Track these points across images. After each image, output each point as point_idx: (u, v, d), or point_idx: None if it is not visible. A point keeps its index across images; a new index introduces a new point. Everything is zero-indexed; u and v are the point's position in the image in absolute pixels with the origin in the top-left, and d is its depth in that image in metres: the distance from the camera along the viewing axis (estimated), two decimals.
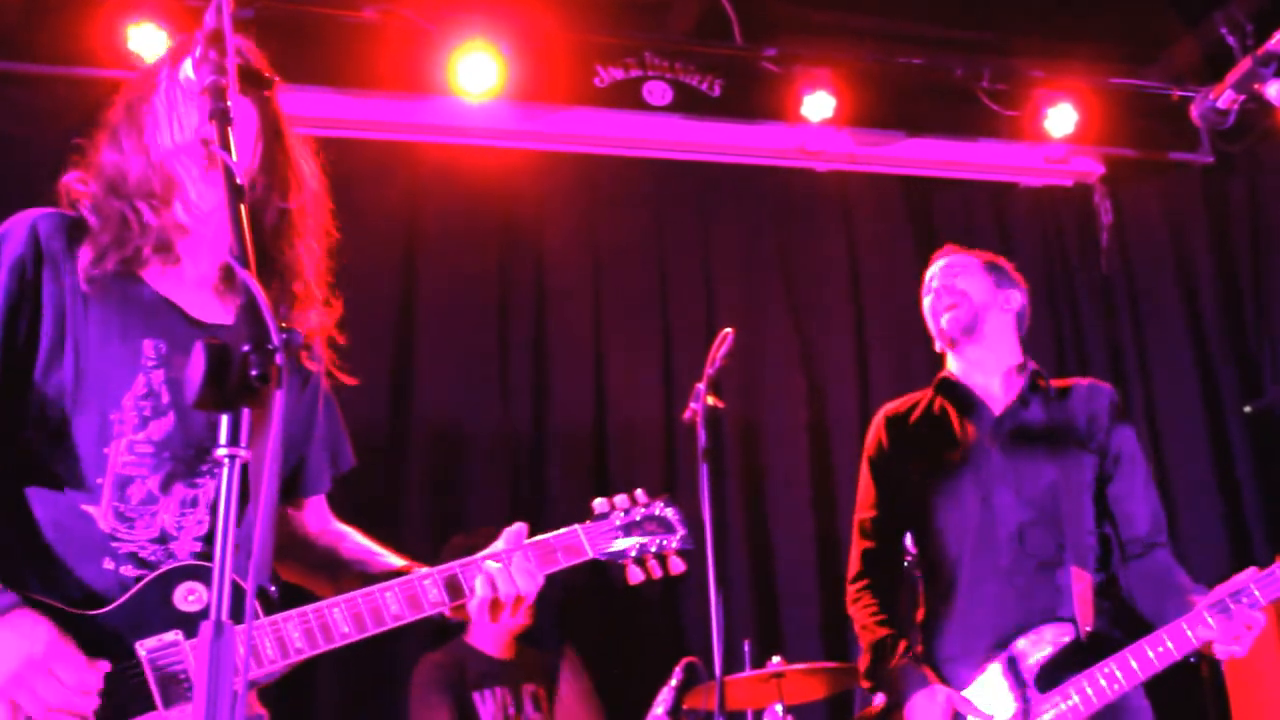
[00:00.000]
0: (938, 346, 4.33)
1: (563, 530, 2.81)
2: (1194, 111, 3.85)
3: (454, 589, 2.63)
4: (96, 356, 2.47)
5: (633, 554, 2.83)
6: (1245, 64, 3.55)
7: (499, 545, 2.73)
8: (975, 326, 4.18)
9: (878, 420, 4.34)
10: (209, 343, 1.78)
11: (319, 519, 2.92)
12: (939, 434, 4.16)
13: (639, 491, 2.91)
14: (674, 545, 2.86)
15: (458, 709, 5.61)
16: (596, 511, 2.86)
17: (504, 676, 5.71)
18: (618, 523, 2.85)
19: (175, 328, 2.55)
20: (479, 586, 2.63)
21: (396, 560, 2.79)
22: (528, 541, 2.74)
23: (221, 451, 1.78)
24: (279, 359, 1.80)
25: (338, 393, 3.00)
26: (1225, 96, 3.66)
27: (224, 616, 1.71)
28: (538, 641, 6.09)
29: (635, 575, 2.85)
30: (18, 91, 6.00)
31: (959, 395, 4.19)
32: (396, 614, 2.57)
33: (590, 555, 2.81)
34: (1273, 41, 3.42)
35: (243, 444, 1.78)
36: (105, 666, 2.34)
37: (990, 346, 4.20)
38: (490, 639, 5.74)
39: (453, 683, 5.66)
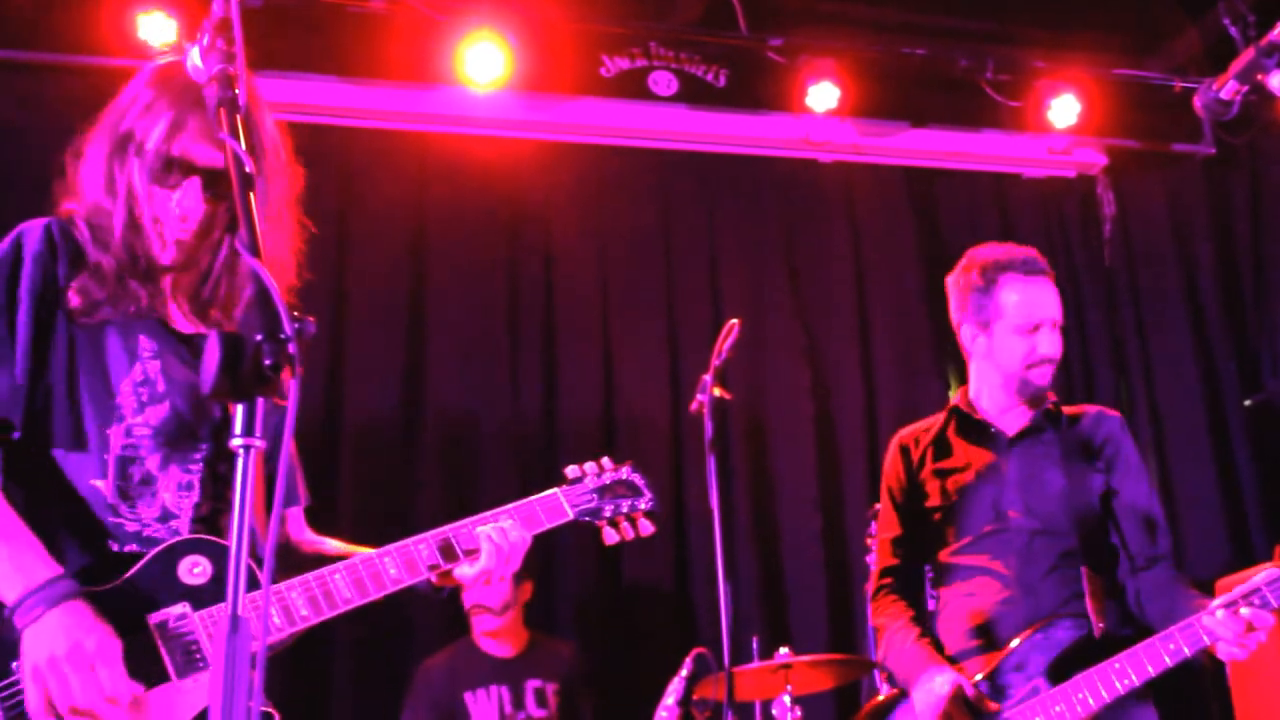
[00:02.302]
0: (1005, 369, 4.19)
1: (543, 493, 2.98)
2: (1197, 102, 3.87)
3: (447, 551, 2.76)
4: (99, 348, 2.59)
5: (607, 515, 3.00)
6: (1248, 55, 3.56)
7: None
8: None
9: (893, 447, 4.35)
10: (223, 332, 1.82)
11: (299, 529, 3.00)
12: (954, 454, 4.21)
13: (605, 459, 3.09)
14: (642, 507, 3.04)
15: (443, 715, 5.63)
16: (571, 476, 3.03)
17: (504, 674, 5.71)
18: (591, 486, 3.02)
19: (163, 334, 2.67)
20: (484, 545, 2.77)
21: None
22: (512, 505, 2.90)
23: (236, 441, 1.81)
24: (292, 348, 1.84)
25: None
26: (1228, 87, 3.68)
27: (240, 610, 1.73)
28: (552, 631, 6.11)
29: (610, 536, 3.01)
30: (27, 81, 6.02)
31: (973, 423, 4.22)
32: (395, 577, 2.69)
33: (570, 516, 2.97)
34: (1276, 32, 3.43)
35: (257, 433, 1.81)
36: (140, 688, 2.40)
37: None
38: (494, 636, 5.75)
39: (440, 689, 5.68)
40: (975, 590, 4.02)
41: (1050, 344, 4.14)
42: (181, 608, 2.46)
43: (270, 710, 2.64)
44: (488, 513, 2.85)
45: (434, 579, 2.78)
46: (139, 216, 2.63)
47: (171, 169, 2.61)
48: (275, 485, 1.89)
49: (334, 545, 2.95)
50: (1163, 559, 4.05)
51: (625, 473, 3.07)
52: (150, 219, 2.63)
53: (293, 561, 2.89)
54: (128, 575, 2.46)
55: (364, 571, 2.65)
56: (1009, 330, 4.14)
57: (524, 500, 2.94)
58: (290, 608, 2.55)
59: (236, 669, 1.66)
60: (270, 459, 2.83)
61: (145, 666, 2.41)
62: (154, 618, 2.45)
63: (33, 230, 2.62)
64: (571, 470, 3.04)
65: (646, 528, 3.04)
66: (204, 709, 2.42)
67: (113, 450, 2.52)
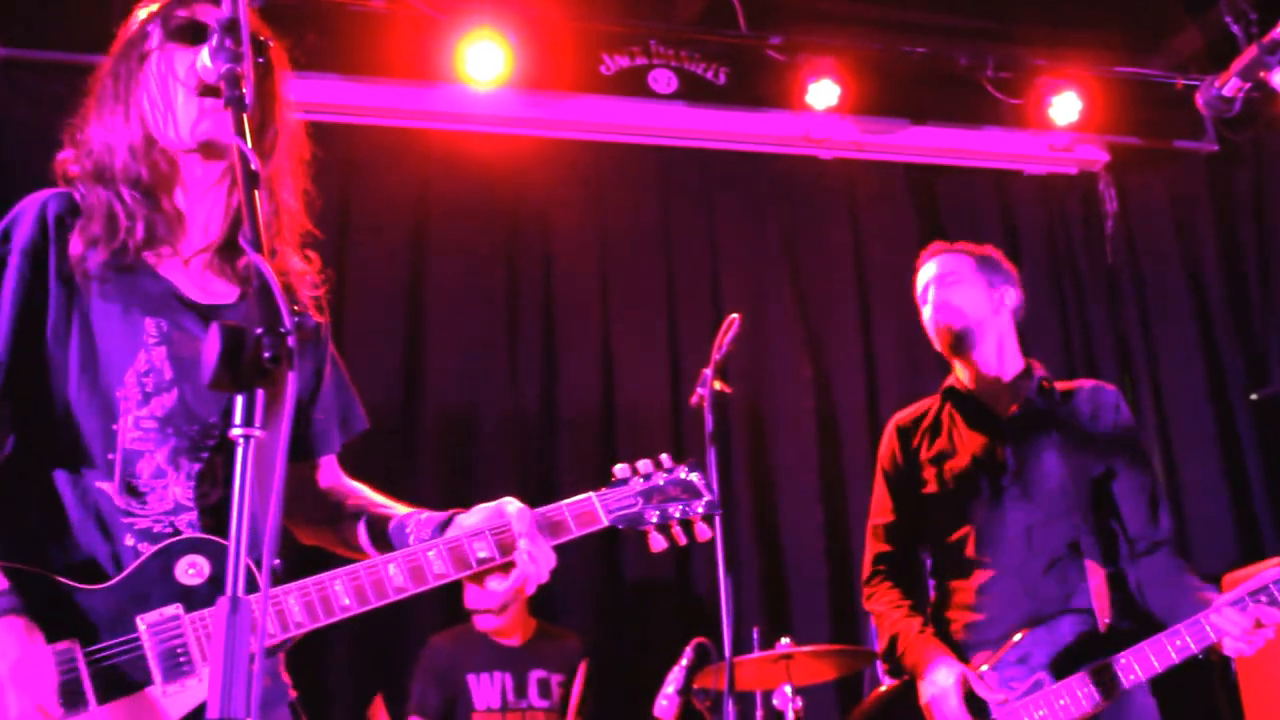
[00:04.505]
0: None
1: (577, 498, 2.68)
2: (1199, 99, 3.87)
3: (460, 561, 2.54)
4: (100, 335, 2.48)
5: (654, 520, 2.69)
6: (1250, 52, 3.56)
7: (512, 509, 2.60)
8: (974, 341, 4.21)
9: (889, 430, 4.37)
10: (224, 324, 1.80)
11: (329, 476, 2.88)
12: (949, 440, 4.21)
13: (664, 456, 2.77)
14: (699, 510, 2.72)
15: (449, 692, 5.65)
16: (616, 477, 2.72)
17: (508, 661, 5.72)
18: (637, 489, 2.70)
19: (173, 309, 2.55)
20: (501, 581, 2.57)
21: (400, 509, 2.73)
22: (539, 511, 2.62)
23: (236, 431, 1.79)
24: (291, 341, 1.83)
25: (350, 375, 2.98)
26: (1230, 84, 3.68)
27: (240, 592, 1.73)
28: (553, 620, 6.12)
29: (658, 543, 2.70)
30: (36, 78, 6.05)
31: (966, 403, 4.23)
32: (400, 587, 2.50)
33: (605, 523, 2.67)
34: (1278, 30, 3.44)
35: (257, 424, 1.81)
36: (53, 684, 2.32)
37: (991, 352, 4.23)
38: (497, 632, 5.77)
39: (444, 667, 5.70)
40: (976, 583, 4.01)
41: (929, 310, 4.30)
42: (174, 609, 2.38)
43: (293, 696, 2.61)
44: (515, 530, 2.56)
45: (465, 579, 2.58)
46: (161, 95, 2.53)
47: (195, 27, 2.51)
48: (278, 474, 1.86)
49: (357, 498, 2.80)
50: (1164, 543, 4.04)
51: (682, 473, 2.74)
52: (174, 91, 2.52)
53: (313, 514, 2.83)
54: (123, 574, 2.39)
55: (366, 579, 2.47)
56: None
57: (553, 506, 2.64)
58: (285, 613, 2.42)
59: (237, 652, 1.67)
60: (301, 410, 2.71)
61: (130, 670, 2.34)
62: (143, 619, 2.37)
63: (25, 216, 2.53)
64: (620, 469, 2.72)
65: (703, 532, 2.72)
66: (186, 715, 2.34)
67: (119, 447, 2.44)
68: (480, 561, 2.55)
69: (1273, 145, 7.76)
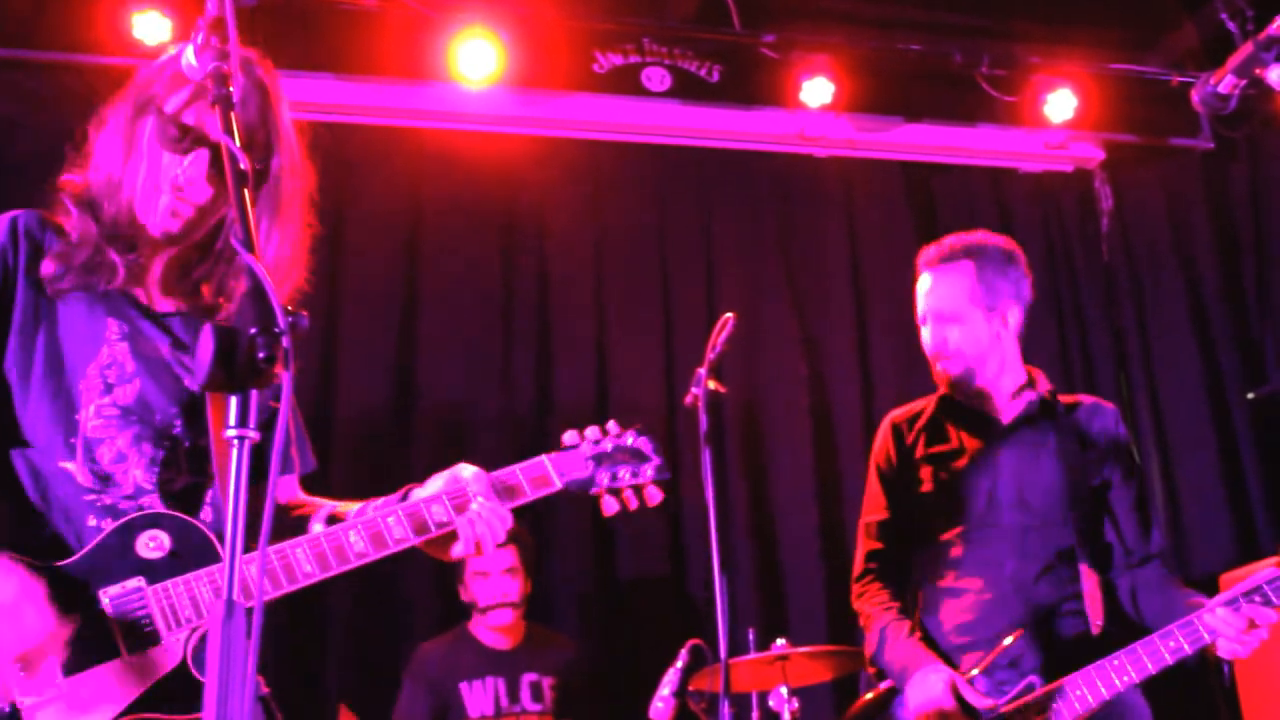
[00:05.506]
0: None
1: (529, 461, 2.75)
2: (1195, 97, 3.85)
3: (419, 526, 2.62)
4: (65, 333, 2.59)
5: (605, 483, 2.76)
6: (1246, 49, 3.55)
7: (466, 473, 2.69)
8: (973, 378, 4.13)
9: (884, 426, 4.32)
10: (216, 325, 1.83)
11: (287, 493, 2.91)
12: (946, 440, 4.17)
13: (610, 423, 2.86)
14: (649, 475, 2.81)
15: (440, 701, 5.62)
16: (566, 443, 2.80)
17: (500, 666, 5.68)
18: (587, 453, 2.78)
19: (133, 313, 2.66)
20: (463, 531, 2.62)
21: (353, 507, 2.78)
22: (492, 474, 2.70)
23: (230, 433, 1.82)
24: (285, 342, 1.84)
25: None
26: (1226, 81, 3.66)
27: (235, 595, 1.73)
28: (548, 622, 6.10)
29: (610, 506, 2.78)
30: (24, 78, 6.04)
31: (963, 411, 4.19)
32: (361, 552, 2.56)
33: (559, 485, 2.74)
34: (1274, 26, 3.42)
35: (251, 425, 1.82)
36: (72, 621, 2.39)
37: (990, 378, 4.15)
38: (491, 627, 5.74)
39: (438, 675, 5.66)
40: (969, 586, 3.99)
41: (927, 339, 4.18)
42: (136, 581, 2.44)
43: (265, 692, 2.63)
44: (470, 490, 2.65)
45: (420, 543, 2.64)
46: (145, 181, 2.61)
47: (185, 136, 2.58)
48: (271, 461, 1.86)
49: (313, 508, 2.83)
50: (1156, 557, 4.05)
51: (630, 438, 2.82)
52: (153, 185, 2.60)
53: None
54: (85, 550, 2.45)
55: (327, 545, 2.53)
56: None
57: (507, 468, 2.72)
58: (248, 582, 2.42)
59: (233, 653, 1.67)
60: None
61: (95, 643, 2.39)
62: (106, 593, 2.42)
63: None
64: (569, 436, 2.80)
65: (654, 496, 2.81)
66: (153, 684, 2.40)
67: (81, 433, 2.53)
68: (438, 525, 2.63)
69: (1269, 142, 7.74)
